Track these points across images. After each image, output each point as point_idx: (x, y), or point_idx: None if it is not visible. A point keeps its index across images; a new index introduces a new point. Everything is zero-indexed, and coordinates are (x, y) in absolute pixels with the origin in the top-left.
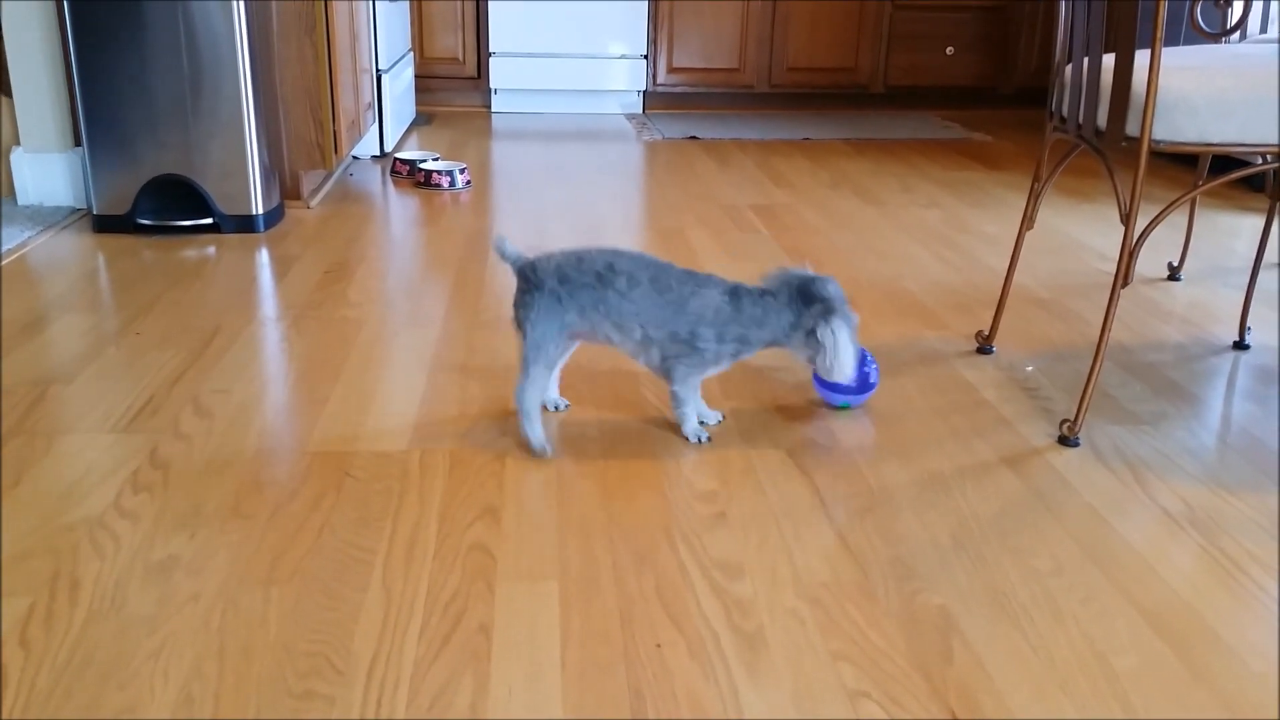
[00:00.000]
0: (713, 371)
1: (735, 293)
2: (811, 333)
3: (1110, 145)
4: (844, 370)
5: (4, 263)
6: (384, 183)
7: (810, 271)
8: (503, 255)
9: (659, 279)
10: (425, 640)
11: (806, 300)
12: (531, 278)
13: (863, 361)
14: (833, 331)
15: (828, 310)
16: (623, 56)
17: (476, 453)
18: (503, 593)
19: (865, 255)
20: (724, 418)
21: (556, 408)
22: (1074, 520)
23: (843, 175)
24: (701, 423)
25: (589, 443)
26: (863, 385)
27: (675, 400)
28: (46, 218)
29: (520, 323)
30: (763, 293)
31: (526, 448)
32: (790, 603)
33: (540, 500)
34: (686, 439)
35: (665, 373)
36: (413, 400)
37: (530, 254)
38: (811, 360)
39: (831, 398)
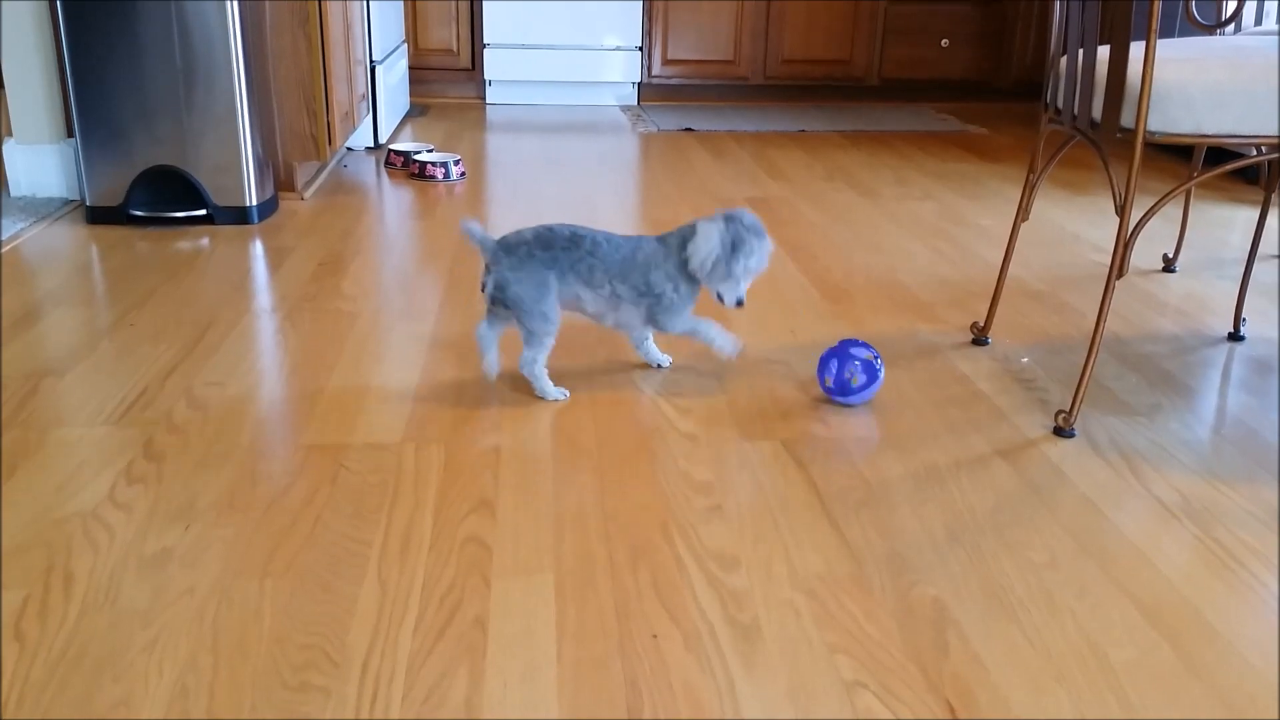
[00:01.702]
0: (689, 305)
1: (663, 237)
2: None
3: (1105, 137)
4: (696, 256)
5: None
6: (378, 174)
7: (730, 209)
8: (471, 237)
9: (611, 239)
10: (421, 633)
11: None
12: (516, 252)
13: (870, 359)
14: (708, 224)
15: (731, 219)
16: (617, 48)
17: (471, 446)
18: (498, 586)
19: (860, 248)
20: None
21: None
22: (1069, 512)
23: (838, 168)
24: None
25: (584, 436)
26: (871, 376)
27: (693, 335)
28: (39, 209)
29: (515, 301)
30: (682, 228)
31: (544, 400)
32: (786, 595)
33: (535, 493)
34: (733, 352)
35: (655, 327)
36: (407, 393)
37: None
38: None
39: (845, 390)
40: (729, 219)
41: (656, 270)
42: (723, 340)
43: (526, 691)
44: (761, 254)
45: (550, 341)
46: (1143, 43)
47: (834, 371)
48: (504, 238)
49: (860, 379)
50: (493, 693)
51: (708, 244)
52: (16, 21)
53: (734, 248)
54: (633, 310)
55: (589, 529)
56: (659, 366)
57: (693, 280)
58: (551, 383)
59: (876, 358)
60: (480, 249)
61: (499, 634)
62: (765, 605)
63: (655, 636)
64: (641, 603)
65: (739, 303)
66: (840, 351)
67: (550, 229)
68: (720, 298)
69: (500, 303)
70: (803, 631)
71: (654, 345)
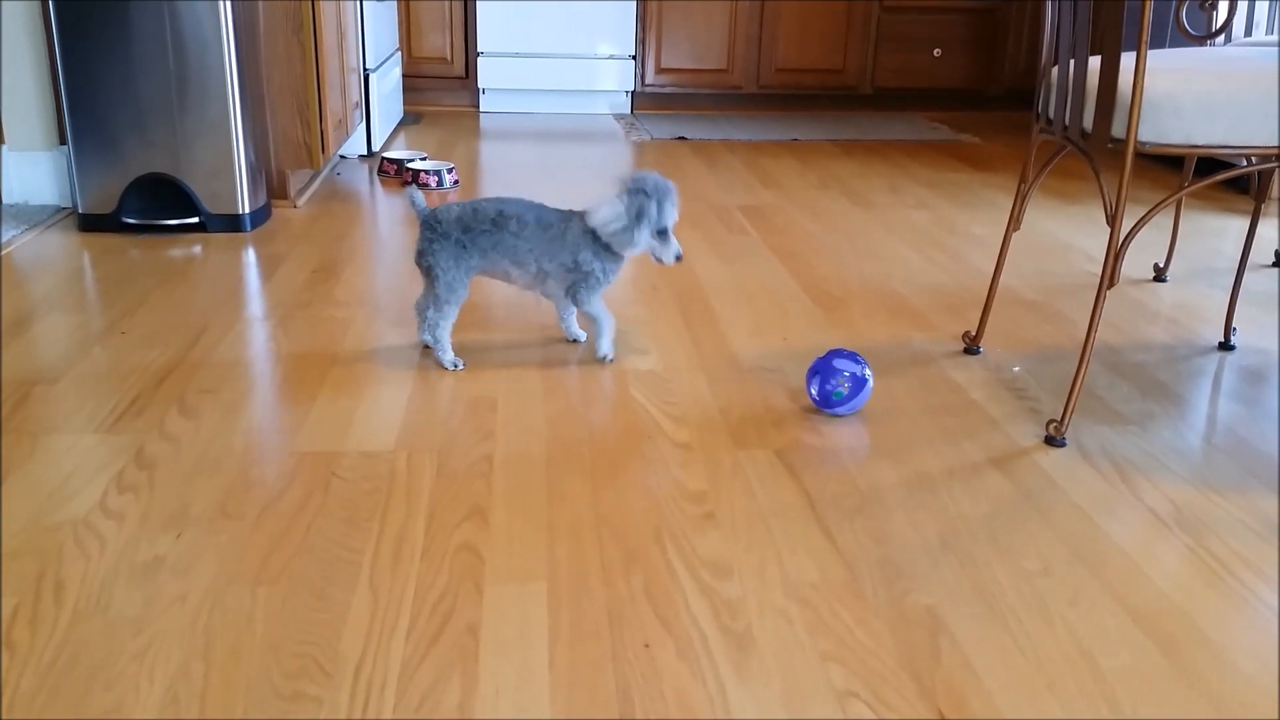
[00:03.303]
0: (609, 284)
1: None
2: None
3: (1096, 147)
4: (594, 216)
5: None
6: (371, 182)
7: (636, 174)
8: (413, 204)
9: (541, 218)
10: (413, 641)
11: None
12: (437, 228)
13: (856, 362)
14: (613, 198)
15: (634, 193)
16: (611, 57)
17: (464, 453)
18: (491, 593)
19: (854, 255)
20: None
21: (424, 343)
22: (1062, 520)
23: (831, 176)
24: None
25: (577, 444)
26: (857, 387)
27: (593, 320)
28: (32, 216)
29: (429, 269)
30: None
31: (440, 367)
32: (779, 603)
33: (528, 500)
34: (606, 356)
35: (572, 300)
36: (400, 400)
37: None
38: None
39: (828, 401)
40: (631, 192)
41: (585, 249)
42: (607, 343)
43: (519, 698)
44: (672, 211)
45: (452, 310)
46: (1133, 53)
47: (819, 385)
48: (434, 210)
49: (845, 391)
50: (485, 699)
51: (608, 210)
52: (9, 28)
53: (638, 217)
54: (557, 284)
55: (582, 536)
56: (576, 341)
57: (616, 257)
58: (451, 350)
59: (863, 368)
60: (419, 217)
61: (491, 641)
62: (758, 613)
63: (648, 646)
64: (634, 610)
65: (677, 257)
66: (825, 365)
67: (476, 209)
68: (659, 260)
69: (421, 269)
70: (795, 639)
71: (575, 321)
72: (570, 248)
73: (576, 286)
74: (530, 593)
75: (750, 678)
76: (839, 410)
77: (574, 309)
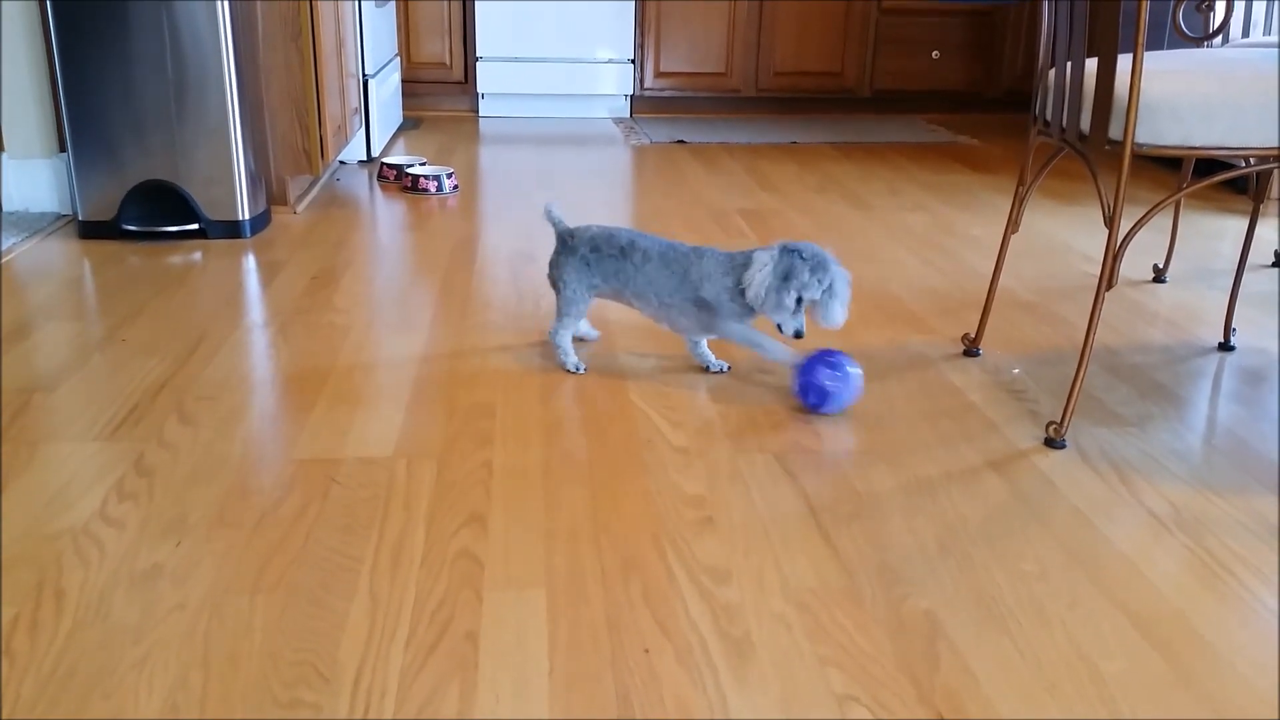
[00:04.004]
0: (751, 316)
1: (731, 255)
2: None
3: (1094, 149)
4: (750, 286)
5: None
6: (371, 188)
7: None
8: (548, 217)
9: (667, 255)
10: (412, 648)
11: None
12: (569, 242)
13: (838, 364)
14: (763, 253)
15: (789, 251)
16: (610, 61)
17: (463, 460)
18: (490, 600)
19: (852, 259)
20: (728, 368)
21: (586, 337)
22: (1060, 524)
23: (830, 179)
24: (707, 368)
25: (576, 450)
26: (839, 387)
27: (751, 347)
28: (31, 224)
29: (555, 280)
30: (746, 252)
31: (563, 371)
32: (778, 608)
33: (527, 507)
34: (778, 358)
35: (707, 331)
36: (399, 407)
37: (565, 226)
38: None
39: (821, 398)
40: (786, 249)
41: (711, 283)
42: (774, 348)
43: (518, 705)
44: (817, 287)
45: (572, 321)
46: (1130, 55)
47: (804, 386)
48: (570, 229)
49: (831, 389)
50: (484, 706)
51: (760, 273)
52: (9, 37)
53: (785, 278)
54: (687, 320)
55: (581, 542)
56: (717, 371)
57: (748, 306)
58: (574, 355)
59: (848, 364)
60: (555, 229)
61: (491, 648)
62: (757, 618)
63: (647, 651)
64: (633, 616)
65: (797, 334)
66: (810, 366)
67: (611, 235)
68: (780, 327)
69: (550, 280)
70: (794, 644)
71: (708, 350)
72: (693, 283)
73: (708, 318)
74: (529, 599)
75: (749, 683)
76: (828, 410)
77: (701, 339)
